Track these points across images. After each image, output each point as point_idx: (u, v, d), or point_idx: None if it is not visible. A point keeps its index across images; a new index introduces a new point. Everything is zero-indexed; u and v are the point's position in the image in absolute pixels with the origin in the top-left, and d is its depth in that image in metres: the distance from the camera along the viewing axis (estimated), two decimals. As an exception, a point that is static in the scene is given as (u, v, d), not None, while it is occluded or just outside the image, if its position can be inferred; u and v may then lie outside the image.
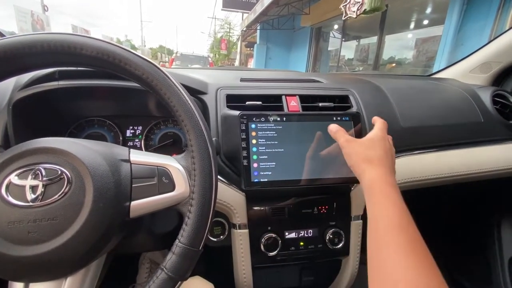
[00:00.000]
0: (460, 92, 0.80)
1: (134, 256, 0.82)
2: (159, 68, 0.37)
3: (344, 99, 0.66)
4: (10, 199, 0.30)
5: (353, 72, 1.14)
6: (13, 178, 0.31)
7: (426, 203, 0.91)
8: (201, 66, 8.02)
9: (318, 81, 0.73)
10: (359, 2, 1.72)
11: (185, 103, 0.37)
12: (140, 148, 0.69)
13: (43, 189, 0.30)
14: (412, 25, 4.55)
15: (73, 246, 0.30)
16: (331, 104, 0.62)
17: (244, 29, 10.24)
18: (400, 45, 4.81)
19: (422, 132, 0.68)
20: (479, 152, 0.73)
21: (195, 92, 0.59)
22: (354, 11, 1.79)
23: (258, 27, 8.73)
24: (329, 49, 7.24)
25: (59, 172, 0.31)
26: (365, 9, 1.68)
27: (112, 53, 0.35)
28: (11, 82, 0.53)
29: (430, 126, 0.69)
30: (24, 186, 0.30)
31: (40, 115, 0.56)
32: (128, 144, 0.69)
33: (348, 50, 6.36)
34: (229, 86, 0.62)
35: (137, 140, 0.69)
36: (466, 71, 0.93)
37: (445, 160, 0.69)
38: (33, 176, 0.31)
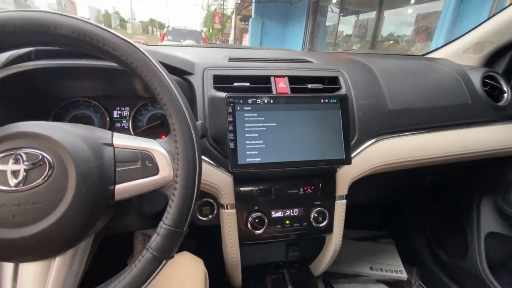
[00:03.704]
0: (451, 73, 0.79)
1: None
2: (138, 49, 0.36)
3: (334, 80, 0.65)
4: None
5: (346, 52, 1.12)
6: None
7: (410, 181, 0.94)
8: (194, 41, 7.73)
9: (308, 61, 0.71)
10: None
11: (166, 86, 0.36)
12: (128, 130, 0.68)
13: (25, 174, 0.31)
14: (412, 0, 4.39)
15: (58, 229, 0.31)
16: (320, 86, 0.61)
17: (239, 2, 9.76)
18: (399, 21, 4.67)
19: (410, 114, 0.69)
20: (465, 134, 0.74)
21: (181, 73, 0.58)
22: None
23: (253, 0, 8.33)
24: (326, 24, 6.99)
25: (40, 157, 0.31)
26: None
27: (88, 33, 0.34)
28: None
29: (419, 108, 0.70)
30: (5, 171, 0.30)
31: (23, 96, 0.55)
32: (116, 126, 0.68)
33: (347, 25, 6.16)
34: (216, 66, 0.61)
35: (125, 121, 0.68)
36: (460, 51, 0.92)
37: (432, 142, 0.70)
38: (14, 161, 0.31)
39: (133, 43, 0.36)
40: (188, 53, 0.68)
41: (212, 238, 0.66)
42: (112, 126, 0.67)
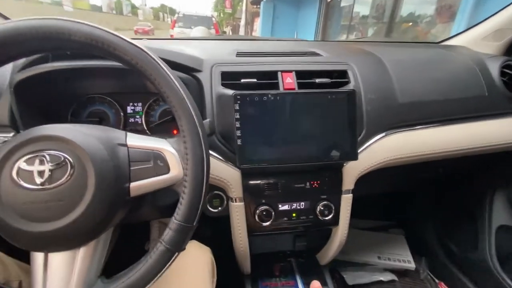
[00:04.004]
0: (468, 63, 0.76)
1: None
2: (147, 53, 0.37)
3: (342, 74, 0.65)
4: (22, 183, 0.33)
5: (358, 40, 1.09)
6: (22, 164, 0.34)
7: (421, 174, 0.93)
8: (205, 27, 7.65)
9: (317, 54, 0.71)
10: None
11: (174, 89, 0.38)
12: (141, 124, 0.71)
13: (49, 174, 0.34)
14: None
15: (81, 223, 0.34)
16: (328, 80, 0.61)
17: (250, -16, 9.47)
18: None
19: (420, 107, 0.68)
20: (480, 127, 0.72)
21: (190, 70, 0.59)
22: None
23: (265, -18, 8.05)
24: (342, 5, 6.68)
25: (62, 158, 0.34)
26: None
27: (100, 38, 0.36)
28: (9, 64, 0.54)
29: (430, 101, 0.68)
30: (32, 171, 0.34)
31: (41, 95, 0.58)
32: (130, 121, 0.71)
33: (363, 6, 5.85)
34: (224, 62, 0.62)
35: (138, 116, 0.71)
36: (479, 38, 0.88)
37: (444, 135, 0.69)
38: (39, 162, 0.34)
39: (142, 47, 0.37)
40: (197, 48, 0.69)
41: (223, 227, 0.69)
42: (126, 121, 0.70)
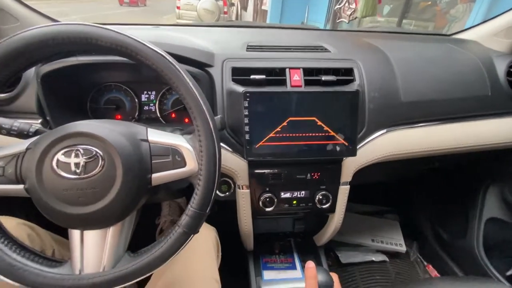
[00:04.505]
0: (474, 61, 0.77)
1: None
2: (167, 59, 0.41)
3: (349, 71, 0.67)
4: (61, 172, 0.39)
5: (368, 30, 1.07)
6: (60, 156, 0.39)
7: (418, 166, 0.97)
8: (213, 1, 7.35)
9: (325, 49, 0.72)
10: (352, 8, 1.74)
11: (191, 92, 0.42)
12: (155, 112, 0.75)
13: (84, 165, 0.39)
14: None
15: (111, 207, 0.40)
16: (333, 78, 0.63)
17: (262, -48, 8.88)
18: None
19: (422, 106, 0.70)
20: (480, 126, 0.75)
21: (202, 65, 0.62)
22: (347, 15, 1.80)
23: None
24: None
25: (94, 152, 0.39)
26: (356, 17, 1.75)
27: (125, 44, 0.39)
28: None
29: (432, 100, 0.71)
30: (69, 163, 0.39)
31: (65, 85, 0.63)
32: (144, 108, 0.75)
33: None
34: (235, 57, 0.64)
35: (152, 104, 0.75)
36: (491, 34, 0.87)
37: (444, 133, 0.72)
38: (75, 155, 0.39)
39: (163, 53, 0.41)
40: (208, 40, 0.71)
41: (228, 209, 0.76)
42: (141, 108, 0.75)
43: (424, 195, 1.23)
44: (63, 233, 0.60)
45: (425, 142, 0.71)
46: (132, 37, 0.40)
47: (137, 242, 0.49)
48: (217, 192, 0.71)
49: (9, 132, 0.45)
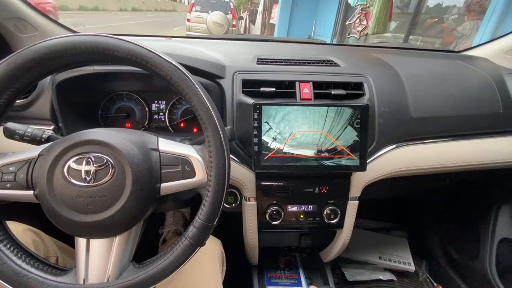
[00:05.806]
0: (485, 78, 0.76)
1: None
2: (181, 71, 0.42)
3: (358, 85, 0.67)
4: (72, 180, 0.39)
5: (377, 45, 1.08)
6: (71, 163, 0.39)
7: (428, 184, 0.95)
8: (223, 12, 7.57)
9: (335, 63, 0.73)
10: (363, 25, 1.74)
11: (204, 104, 0.42)
12: (164, 121, 0.76)
13: (94, 173, 0.39)
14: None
15: (119, 216, 0.40)
16: (343, 92, 0.63)
17: (271, -31, 9.17)
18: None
19: (433, 122, 0.69)
20: (492, 144, 0.74)
21: (213, 77, 0.63)
22: (358, 31, 1.79)
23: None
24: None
25: (105, 160, 0.40)
26: (367, 33, 1.75)
27: (140, 55, 0.40)
28: None
29: (443, 116, 0.70)
30: (80, 170, 0.39)
31: (78, 93, 0.64)
32: (154, 117, 0.76)
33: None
34: (245, 69, 0.65)
35: (162, 114, 0.76)
36: (502, 51, 0.87)
37: (455, 150, 0.71)
38: (86, 162, 0.39)
39: (176, 64, 0.42)
40: (218, 51, 0.72)
41: (233, 222, 0.75)
42: (151, 117, 0.76)
43: (433, 212, 1.20)
44: (68, 240, 0.59)
45: (435, 158, 0.70)
46: (148, 48, 0.41)
47: (139, 251, 0.49)
48: (224, 204, 0.71)
49: (22, 138, 0.46)
